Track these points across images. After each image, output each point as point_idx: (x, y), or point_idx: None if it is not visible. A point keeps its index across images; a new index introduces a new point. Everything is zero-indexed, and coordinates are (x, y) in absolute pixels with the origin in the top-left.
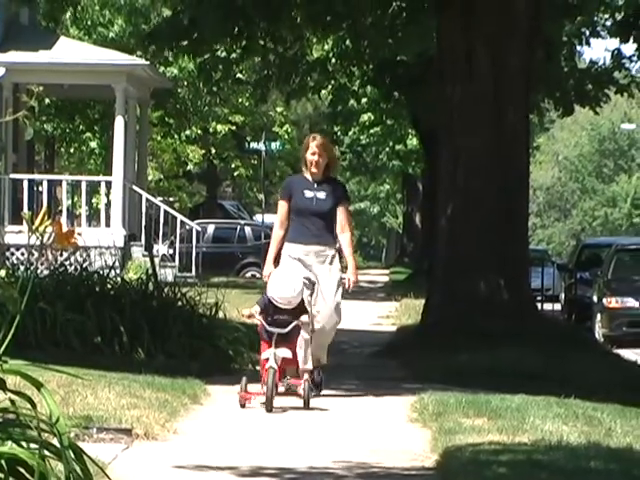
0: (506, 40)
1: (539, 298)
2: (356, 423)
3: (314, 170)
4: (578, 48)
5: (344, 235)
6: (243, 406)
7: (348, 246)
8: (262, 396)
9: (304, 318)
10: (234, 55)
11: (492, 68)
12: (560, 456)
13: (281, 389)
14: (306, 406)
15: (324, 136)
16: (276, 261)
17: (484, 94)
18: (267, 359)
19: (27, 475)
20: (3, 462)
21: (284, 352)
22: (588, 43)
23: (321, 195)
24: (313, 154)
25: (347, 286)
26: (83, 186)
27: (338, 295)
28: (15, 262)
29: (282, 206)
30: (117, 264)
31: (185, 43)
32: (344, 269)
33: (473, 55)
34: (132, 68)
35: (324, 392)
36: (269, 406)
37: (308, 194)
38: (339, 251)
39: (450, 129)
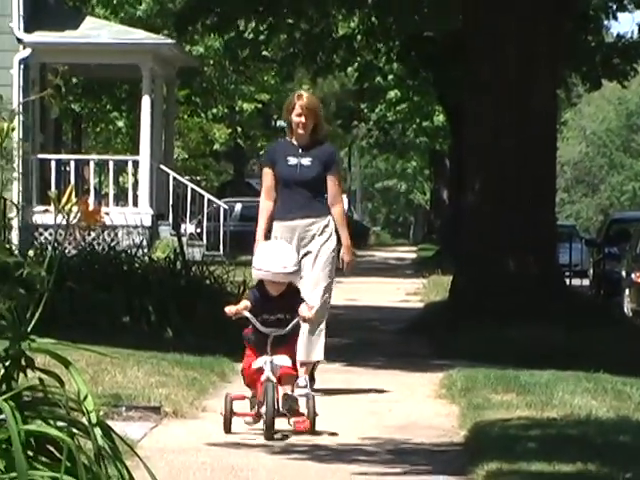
0: (534, 13)
1: (567, 274)
2: (384, 400)
3: (300, 132)
4: (605, 22)
5: (335, 208)
6: (228, 431)
7: (340, 220)
8: (250, 417)
9: (304, 310)
10: (262, 37)
11: (519, 43)
12: (589, 430)
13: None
14: (311, 429)
15: (311, 94)
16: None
17: (511, 69)
18: (260, 369)
19: (56, 453)
20: (32, 440)
21: (283, 360)
22: (615, 17)
23: (306, 162)
24: (299, 115)
25: (343, 268)
26: (110, 165)
27: (324, 273)
28: (43, 242)
29: (266, 174)
30: (145, 243)
31: (209, 21)
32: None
33: (500, 30)
34: (158, 47)
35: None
36: (269, 432)
37: (292, 161)
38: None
39: (477, 105)
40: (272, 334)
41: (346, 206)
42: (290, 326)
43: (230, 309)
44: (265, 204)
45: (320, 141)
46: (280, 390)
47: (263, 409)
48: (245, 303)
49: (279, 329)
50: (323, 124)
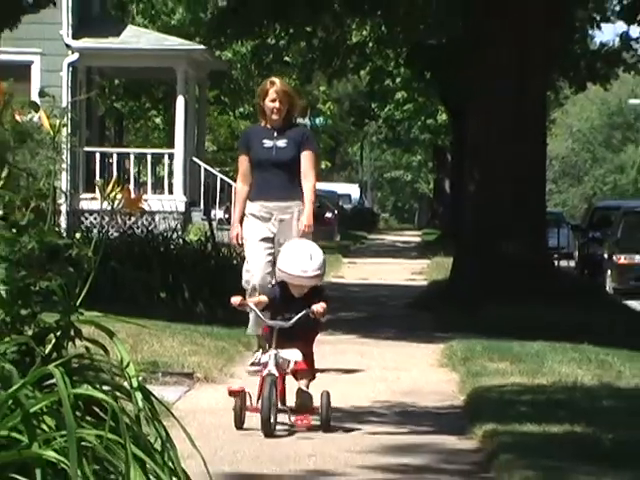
0: (528, 28)
1: (556, 256)
2: (392, 367)
3: (275, 117)
4: (590, 31)
5: (307, 182)
6: (240, 427)
7: (309, 192)
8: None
9: (317, 307)
10: (282, 42)
11: (515, 52)
12: (576, 396)
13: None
14: (325, 426)
15: (283, 79)
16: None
17: (508, 74)
18: (266, 364)
19: (101, 414)
20: (80, 402)
21: (292, 354)
22: (599, 27)
23: (281, 143)
24: (273, 101)
25: (300, 231)
26: (148, 158)
27: None
28: (88, 225)
29: (242, 161)
30: (179, 227)
31: (236, 30)
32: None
33: (498, 41)
34: (191, 52)
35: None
36: (266, 428)
37: (267, 143)
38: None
39: (477, 105)
40: (277, 327)
41: (358, 195)
42: (295, 319)
43: (235, 300)
44: (241, 190)
45: (294, 123)
46: (298, 385)
47: (260, 403)
48: (262, 298)
49: (285, 322)
50: (298, 106)
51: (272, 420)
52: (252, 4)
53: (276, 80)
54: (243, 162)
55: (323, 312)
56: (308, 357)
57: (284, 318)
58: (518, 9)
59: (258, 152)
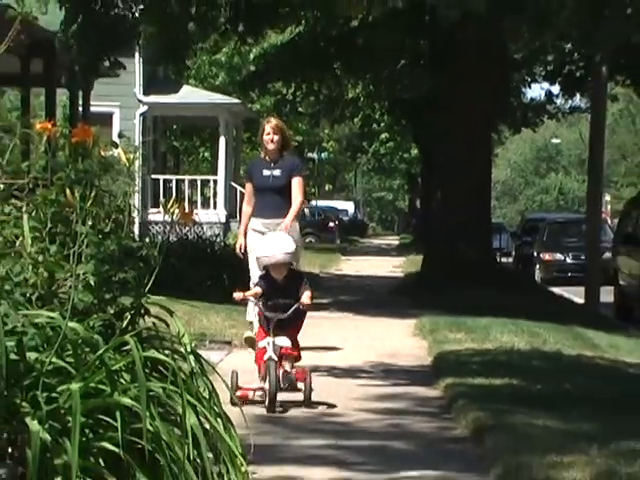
0: (477, 85)
1: (498, 254)
2: (378, 337)
3: (271, 147)
4: (523, 89)
5: (294, 201)
6: (241, 401)
7: (295, 207)
8: (259, 391)
9: (305, 299)
10: (297, 98)
11: (472, 109)
12: (513, 358)
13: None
14: (307, 402)
15: (278, 118)
16: (246, 235)
17: (463, 122)
18: (264, 349)
19: (164, 371)
20: (149, 363)
21: (283, 341)
22: (529, 86)
23: (277, 172)
24: (268, 134)
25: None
26: (198, 182)
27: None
28: (154, 233)
29: (248, 187)
30: (221, 234)
31: (262, 89)
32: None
33: (457, 97)
34: (230, 105)
35: (355, 317)
36: (272, 406)
37: (265, 173)
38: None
39: (441, 146)
40: (274, 318)
41: (353, 210)
42: (290, 311)
43: (238, 295)
44: (245, 209)
45: (287, 154)
46: (281, 368)
47: (266, 385)
48: (256, 290)
49: (282, 313)
50: (290, 142)
51: (276, 399)
52: (274, 69)
53: (272, 118)
54: (248, 188)
55: (310, 302)
56: (295, 343)
57: (276, 304)
58: (472, 76)
59: (258, 180)
